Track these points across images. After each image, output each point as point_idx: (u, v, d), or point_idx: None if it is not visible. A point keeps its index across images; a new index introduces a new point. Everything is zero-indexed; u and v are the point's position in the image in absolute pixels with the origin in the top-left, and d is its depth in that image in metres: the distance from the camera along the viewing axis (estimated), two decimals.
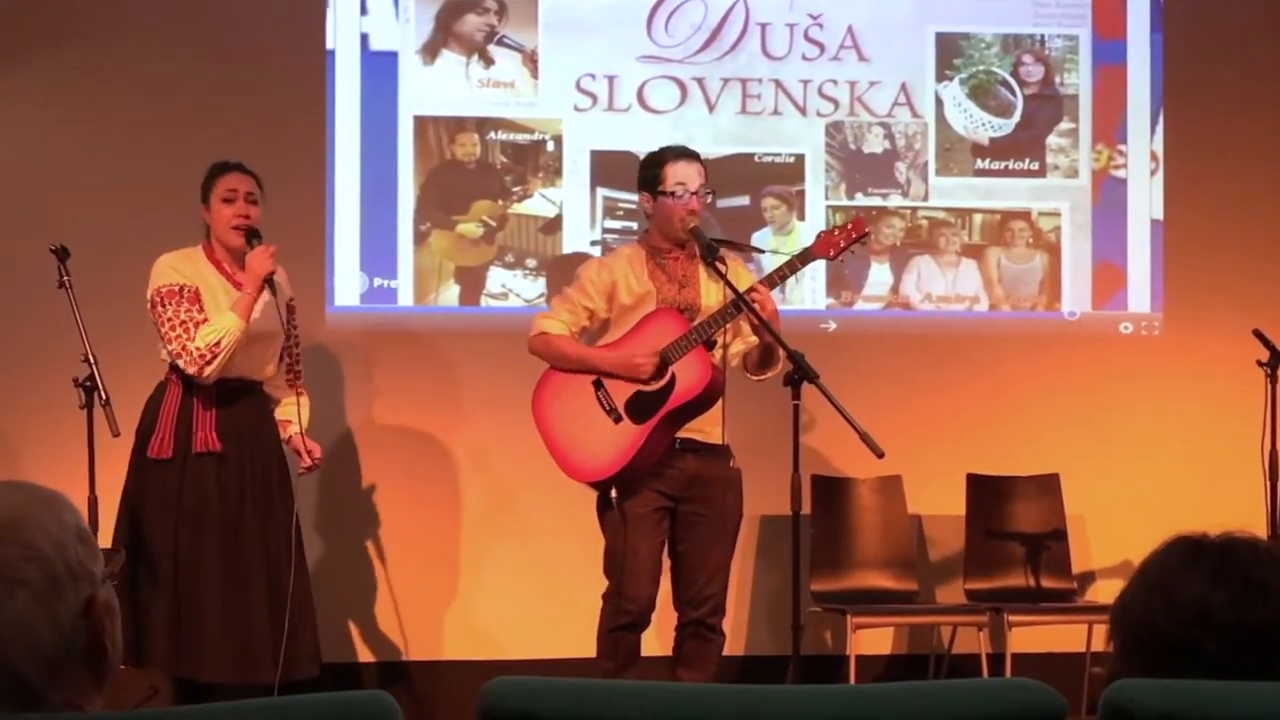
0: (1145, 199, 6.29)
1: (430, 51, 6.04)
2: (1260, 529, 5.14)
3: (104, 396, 4.45)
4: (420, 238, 6.01)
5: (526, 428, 4.87)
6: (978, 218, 6.27)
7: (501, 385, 5.71)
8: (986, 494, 6.03)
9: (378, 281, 5.99)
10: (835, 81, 6.18)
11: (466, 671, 5.72)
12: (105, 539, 4.64)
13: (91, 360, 4.50)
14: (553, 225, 6.07)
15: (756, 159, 6.15)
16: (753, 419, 5.16)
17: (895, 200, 6.21)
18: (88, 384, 4.50)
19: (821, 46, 6.18)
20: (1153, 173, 6.30)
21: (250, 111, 5.81)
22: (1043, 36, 6.29)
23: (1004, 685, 1.87)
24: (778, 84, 6.17)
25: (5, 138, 5.87)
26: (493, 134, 6.06)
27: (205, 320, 4.67)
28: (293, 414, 4.86)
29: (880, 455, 4.25)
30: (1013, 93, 6.28)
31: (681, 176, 4.77)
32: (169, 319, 4.68)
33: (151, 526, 4.70)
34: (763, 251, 5.52)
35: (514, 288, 6.06)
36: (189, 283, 4.73)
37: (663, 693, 1.76)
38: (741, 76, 6.15)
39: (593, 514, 4.81)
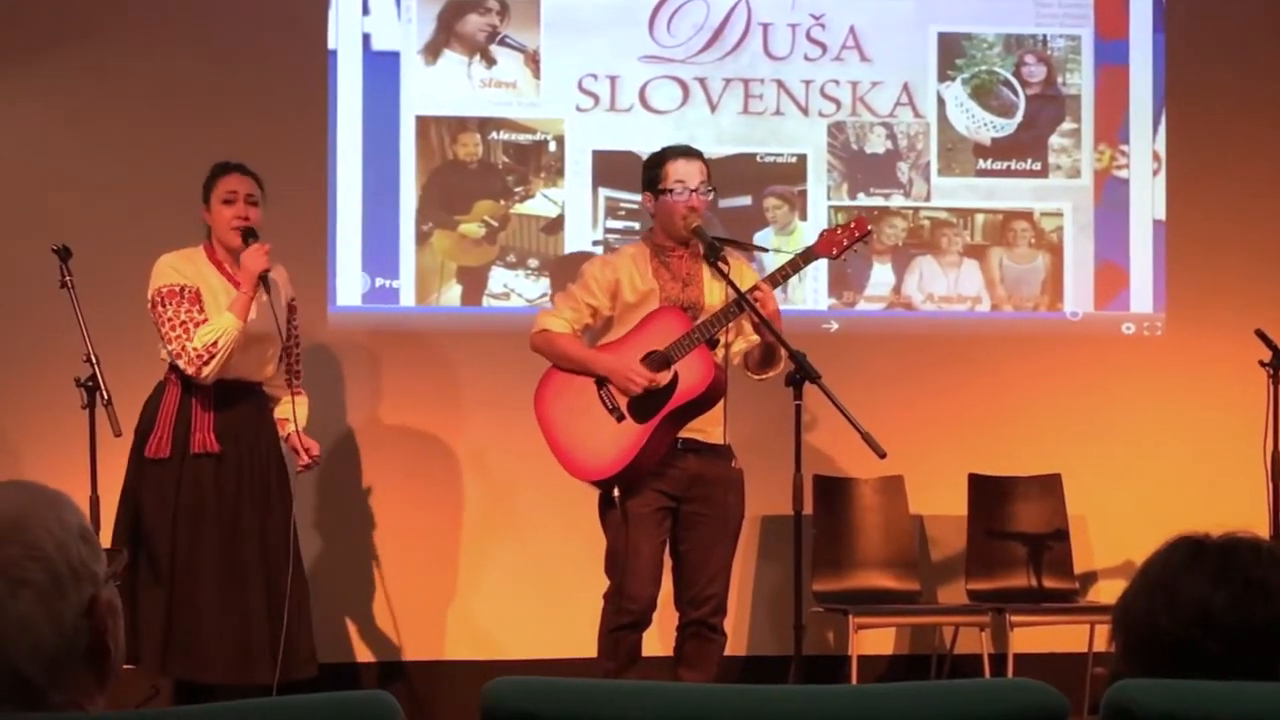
0: (1148, 199, 6.29)
1: (432, 51, 6.04)
2: (1262, 529, 5.14)
3: (106, 396, 4.46)
4: (422, 238, 6.01)
5: (528, 427, 4.87)
6: (980, 218, 6.27)
7: (503, 385, 5.71)
8: (988, 494, 6.03)
9: (379, 281, 5.99)
10: (837, 81, 6.18)
11: (466, 672, 5.72)
12: (106, 538, 4.64)
13: (93, 360, 4.50)
14: (555, 225, 6.07)
15: (758, 159, 6.15)
16: (755, 419, 5.16)
17: (897, 200, 6.21)
18: (90, 384, 4.50)
19: (823, 46, 6.18)
20: (1155, 173, 6.29)
21: (252, 111, 5.81)
22: (1045, 36, 6.29)
23: (1006, 685, 1.87)
24: (780, 84, 6.17)
25: (7, 138, 5.87)
26: (495, 134, 6.06)
27: (205, 321, 4.67)
28: (292, 412, 4.86)
29: (882, 455, 4.25)
30: (1015, 93, 6.28)
31: (681, 174, 4.78)
32: (169, 319, 4.69)
33: (149, 526, 4.70)
34: (766, 250, 5.52)
35: (516, 288, 6.06)
36: (189, 283, 4.74)
37: (664, 693, 1.76)
38: (743, 77, 6.15)
39: (593, 514, 4.81)
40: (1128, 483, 6.12)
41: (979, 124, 6.25)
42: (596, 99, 6.09)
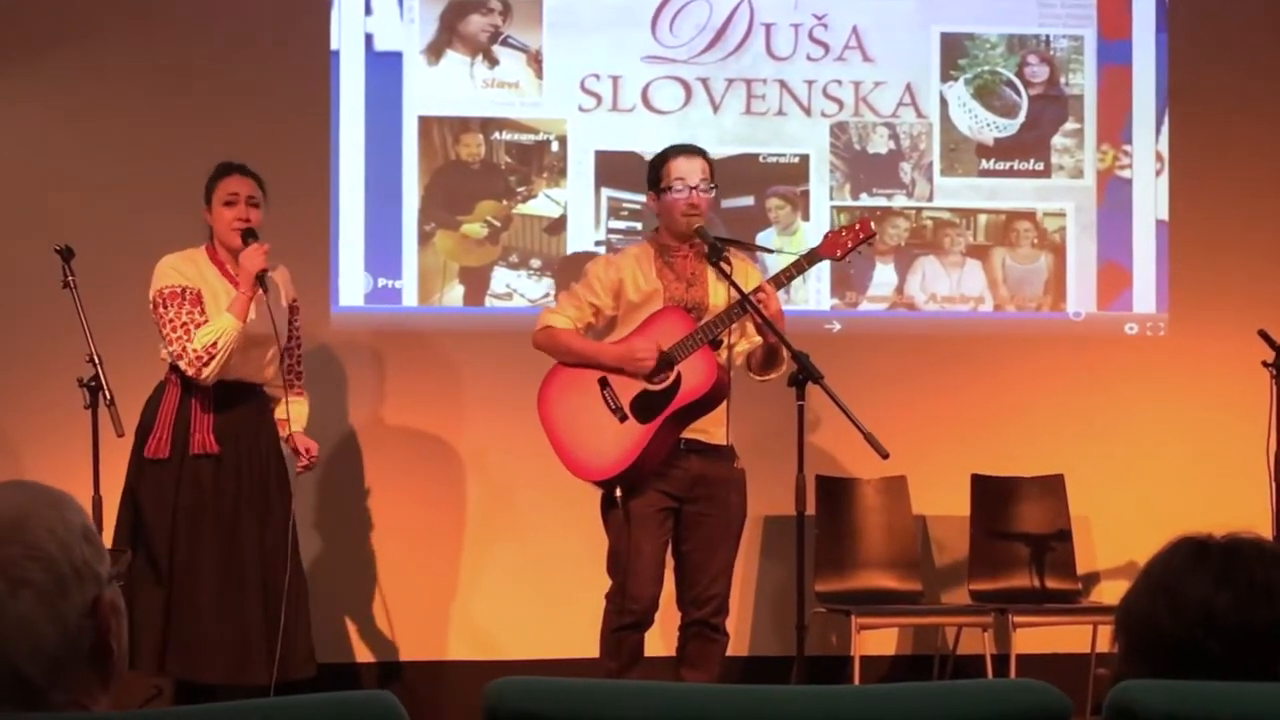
0: (1150, 199, 6.29)
1: (435, 52, 6.04)
2: (1265, 530, 5.14)
3: (109, 396, 4.46)
4: (425, 238, 6.01)
5: (530, 428, 4.87)
6: (982, 218, 6.26)
7: (505, 385, 5.71)
8: (991, 494, 6.02)
9: (382, 282, 5.99)
10: (840, 82, 6.18)
11: (467, 672, 5.73)
12: (108, 538, 4.64)
13: (96, 360, 4.50)
14: (557, 225, 6.07)
15: (761, 159, 6.15)
16: (758, 419, 5.16)
17: (900, 201, 6.21)
18: (92, 384, 4.50)
19: (826, 47, 6.18)
20: (1158, 173, 6.29)
21: (254, 112, 5.81)
22: (1048, 37, 6.29)
23: (1008, 686, 1.87)
24: (782, 84, 6.17)
25: (9, 138, 5.88)
26: (497, 134, 6.06)
27: (206, 322, 4.68)
28: (292, 413, 4.87)
29: (885, 456, 4.25)
30: (1018, 93, 6.27)
31: (681, 172, 4.78)
32: (170, 320, 4.70)
33: (148, 526, 4.71)
34: (770, 251, 5.52)
35: (518, 288, 6.06)
36: (191, 284, 4.74)
37: (667, 693, 1.76)
38: (746, 77, 6.15)
39: (595, 514, 4.81)
40: (1130, 483, 6.12)
41: (982, 124, 6.25)
42: (599, 99, 6.09)
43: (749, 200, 6.13)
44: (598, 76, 6.09)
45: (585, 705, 1.70)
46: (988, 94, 6.26)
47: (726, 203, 5.91)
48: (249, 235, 4.75)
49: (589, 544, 4.98)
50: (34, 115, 5.89)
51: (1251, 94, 6.33)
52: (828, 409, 4.53)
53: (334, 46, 5.98)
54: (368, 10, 6.00)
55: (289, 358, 4.94)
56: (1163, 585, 1.86)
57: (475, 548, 5.98)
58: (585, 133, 6.08)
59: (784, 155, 6.17)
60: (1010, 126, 6.26)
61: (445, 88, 6.04)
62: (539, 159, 6.08)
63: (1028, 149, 6.27)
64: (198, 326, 4.67)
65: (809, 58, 6.18)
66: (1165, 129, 6.29)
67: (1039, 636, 5.72)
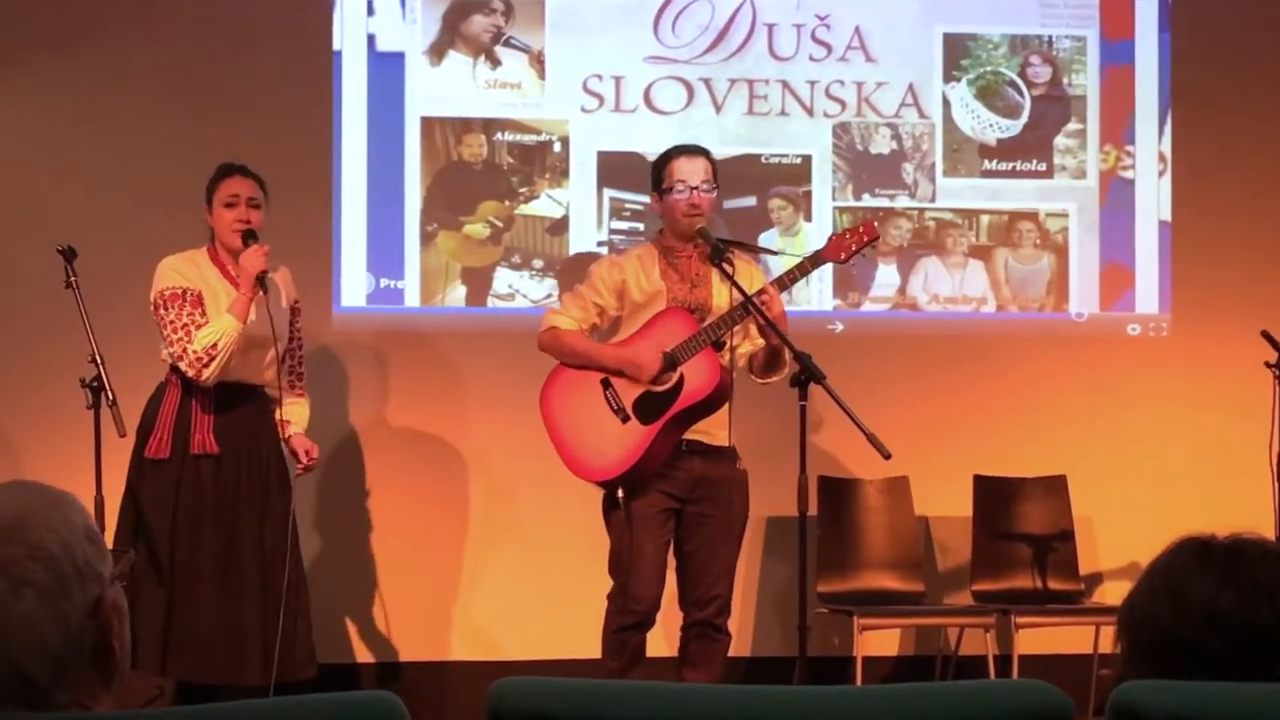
0: (1153, 200, 6.28)
1: (437, 52, 6.04)
2: (1268, 530, 5.13)
3: (111, 397, 4.46)
4: (427, 238, 6.01)
5: (532, 428, 4.87)
6: (985, 219, 6.26)
7: (507, 386, 5.71)
8: (993, 495, 6.02)
9: (384, 282, 5.99)
10: (842, 82, 6.18)
11: (467, 672, 5.73)
12: (109, 538, 4.64)
13: (99, 360, 4.50)
14: (559, 226, 6.07)
15: (763, 160, 6.15)
16: (760, 420, 5.15)
17: (902, 201, 6.21)
18: (95, 384, 4.50)
19: (829, 47, 6.18)
20: (1161, 174, 6.29)
21: (257, 112, 5.81)
22: (1050, 37, 6.28)
23: (1011, 686, 1.87)
24: (785, 85, 6.17)
25: (12, 138, 5.88)
26: (499, 135, 6.06)
27: (207, 323, 4.68)
28: (293, 414, 4.88)
29: (887, 456, 4.25)
30: (1020, 93, 6.27)
31: (682, 173, 4.78)
32: (170, 322, 4.70)
33: (149, 526, 4.71)
34: (773, 253, 5.52)
35: (520, 288, 6.06)
36: (191, 286, 4.75)
37: (669, 693, 1.76)
38: (748, 77, 6.15)
39: (597, 514, 4.81)
40: (1133, 484, 6.12)
41: (984, 125, 6.25)
42: (601, 100, 6.09)
43: (751, 201, 6.13)
44: (600, 77, 6.09)
45: (588, 705, 1.70)
46: (990, 94, 6.26)
47: (729, 203, 5.91)
48: (249, 237, 4.75)
49: (591, 544, 4.98)
50: (36, 115, 5.89)
51: (1254, 94, 6.33)
52: (830, 409, 4.53)
53: (336, 47, 5.98)
54: (370, 11, 6.00)
55: (290, 359, 4.94)
56: (1166, 586, 1.86)
57: (477, 548, 5.98)
58: (587, 133, 6.08)
59: (786, 156, 6.17)
60: (1013, 127, 6.26)
61: (447, 88, 6.04)
62: (541, 159, 6.08)
63: (1030, 149, 6.26)
64: (198, 328, 4.68)
65: (811, 58, 6.18)
66: (1168, 129, 6.29)
67: (1041, 637, 5.72)
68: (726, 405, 4.72)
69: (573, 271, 5.71)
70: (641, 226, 5.96)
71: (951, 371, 6.16)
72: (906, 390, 6.05)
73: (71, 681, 1.54)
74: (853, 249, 4.78)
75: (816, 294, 6.14)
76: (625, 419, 4.70)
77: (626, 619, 4.72)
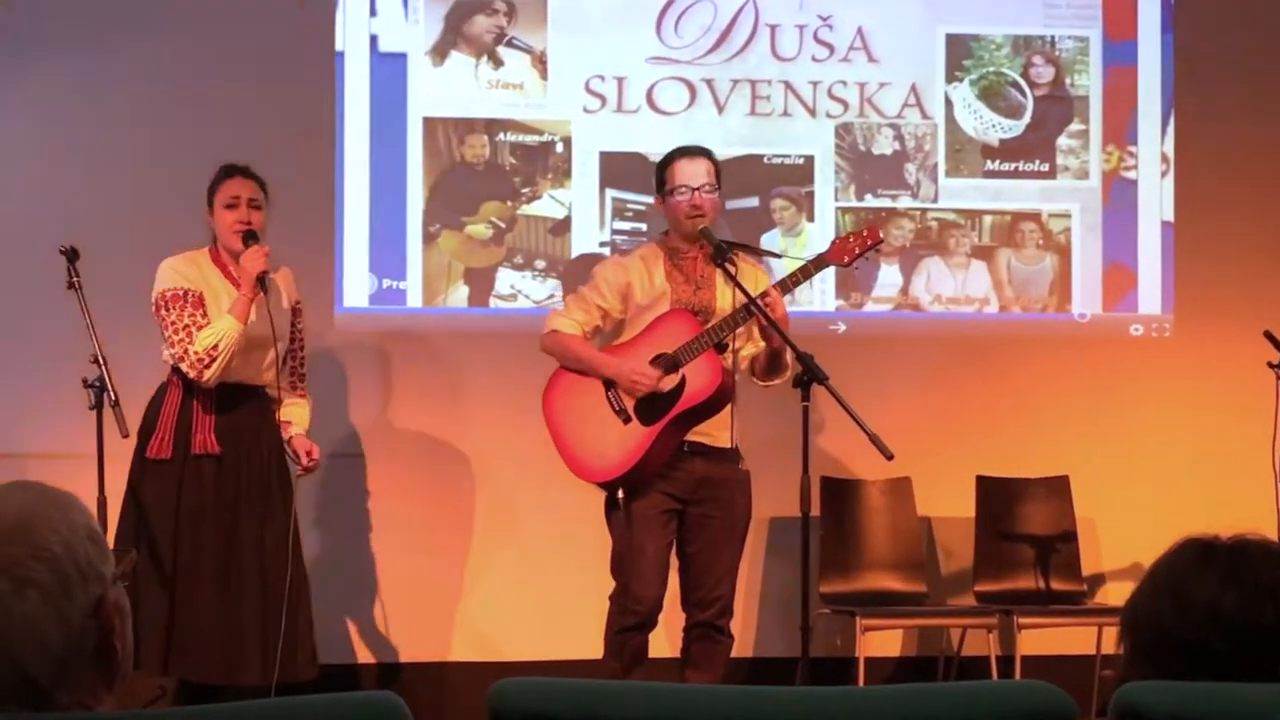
0: (1156, 200, 6.28)
1: (439, 53, 6.04)
2: (1271, 531, 5.12)
3: (113, 397, 4.45)
4: (429, 239, 6.02)
5: (534, 429, 4.87)
6: (987, 219, 6.26)
7: (510, 386, 5.72)
8: (996, 496, 6.02)
9: (387, 283, 5.99)
10: (845, 83, 6.18)
11: (468, 673, 5.72)
12: (111, 539, 4.64)
13: (101, 361, 4.50)
14: (561, 226, 6.07)
15: (766, 160, 6.15)
16: (762, 420, 5.15)
17: (905, 202, 6.21)
18: (97, 385, 4.50)
19: (831, 48, 6.18)
20: (1163, 174, 6.28)
21: (259, 113, 5.81)
22: (1053, 37, 6.28)
23: (1013, 687, 1.87)
24: (787, 85, 6.16)
25: (14, 139, 5.88)
26: (502, 135, 6.06)
27: (208, 324, 4.68)
28: (294, 415, 4.87)
29: (889, 457, 4.24)
30: (1023, 94, 6.27)
31: (684, 174, 4.79)
32: (172, 323, 4.70)
33: (150, 527, 4.71)
34: (776, 255, 5.51)
35: (523, 289, 6.06)
36: (193, 287, 4.75)
37: (672, 693, 1.76)
38: (751, 78, 6.15)
39: (598, 515, 4.81)
40: (1136, 484, 6.12)
41: (987, 125, 6.25)
42: (604, 100, 6.09)
43: (754, 201, 6.13)
44: (602, 77, 6.09)
45: (588, 706, 1.69)
46: (993, 95, 6.26)
47: (731, 204, 5.91)
48: (250, 237, 4.75)
49: (592, 545, 4.98)
50: (39, 116, 5.89)
51: (1257, 95, 6.32)
52: (833, 410, 4.53)
53: (339, 48, 5.98)
54: (372, 11, 6.00)
55: (292, 360, 4.94)
56: (1169, 586, 1.86)
57: (478, 548, 5.98)
58: (590, 134, 6.08)
59: (789, 156, 6.17)
60: (1015, 127, 6.26)
61: (450, 89, 6.04)
62: (544, 160, 6.08)
63: (1033, 150, 6.26)
64: (199, 329, 4.68)
65: (814, 59, 6.17)
66: (1170, 130, 6.28)
67: (1044, 638, 5.72)
68: (729, 407, 4.72)
69: (576, 273, 5.71)
70: (644, 227, 5.96)
71: (954, 372, 6.16)
72: (909, 391, 6.05)
73: (73, 682, 1.54)
74: (856, 252, 4.77)
75: (819, 294, 6.14)
76: (627, 420, 4.70)
77: (628, 620, 4.72)
